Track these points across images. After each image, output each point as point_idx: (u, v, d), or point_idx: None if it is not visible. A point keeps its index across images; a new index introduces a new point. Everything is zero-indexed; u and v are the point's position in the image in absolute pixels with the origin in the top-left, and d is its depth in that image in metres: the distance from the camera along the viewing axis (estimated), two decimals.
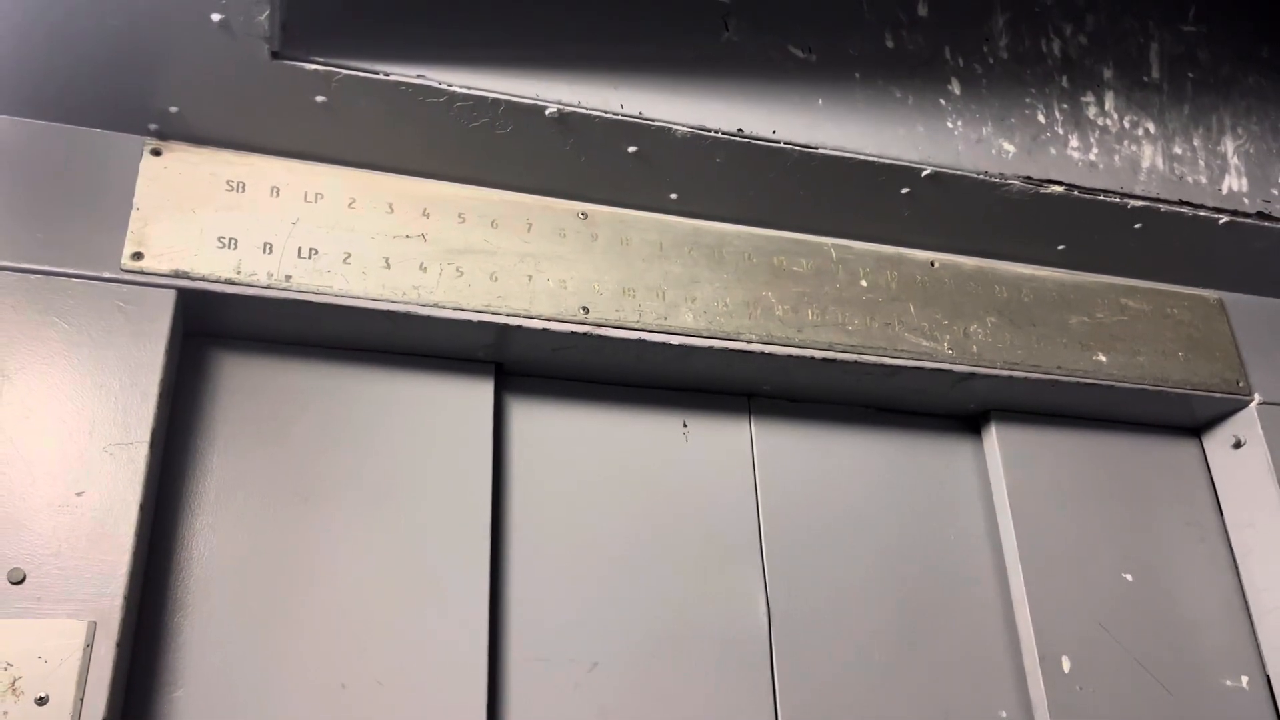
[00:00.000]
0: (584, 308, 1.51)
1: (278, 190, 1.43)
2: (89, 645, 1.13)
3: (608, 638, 1.49)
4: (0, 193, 1.31)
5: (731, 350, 1.57)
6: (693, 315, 1.56)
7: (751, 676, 1.53)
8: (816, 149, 1.55)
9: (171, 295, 1.32)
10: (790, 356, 1.60)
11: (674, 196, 1.61)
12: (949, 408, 1.82)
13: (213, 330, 1.43)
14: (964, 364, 1.69)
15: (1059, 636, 1.67)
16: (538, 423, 1.60)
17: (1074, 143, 1.74)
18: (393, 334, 1.47)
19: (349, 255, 1.42)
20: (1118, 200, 1.71)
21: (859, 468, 1.75)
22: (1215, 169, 1.83)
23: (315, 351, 1.49)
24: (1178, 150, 1.82)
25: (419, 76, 1.37)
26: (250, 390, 1.44)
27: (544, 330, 1.48)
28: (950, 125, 1.66)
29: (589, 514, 1.57)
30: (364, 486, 1.44)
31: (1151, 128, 1.82)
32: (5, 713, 1.08)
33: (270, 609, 1.33)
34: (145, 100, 1.35)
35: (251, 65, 1.30)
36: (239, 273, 1.36)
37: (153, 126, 1.39)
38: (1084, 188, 1.70)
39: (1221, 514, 1.90)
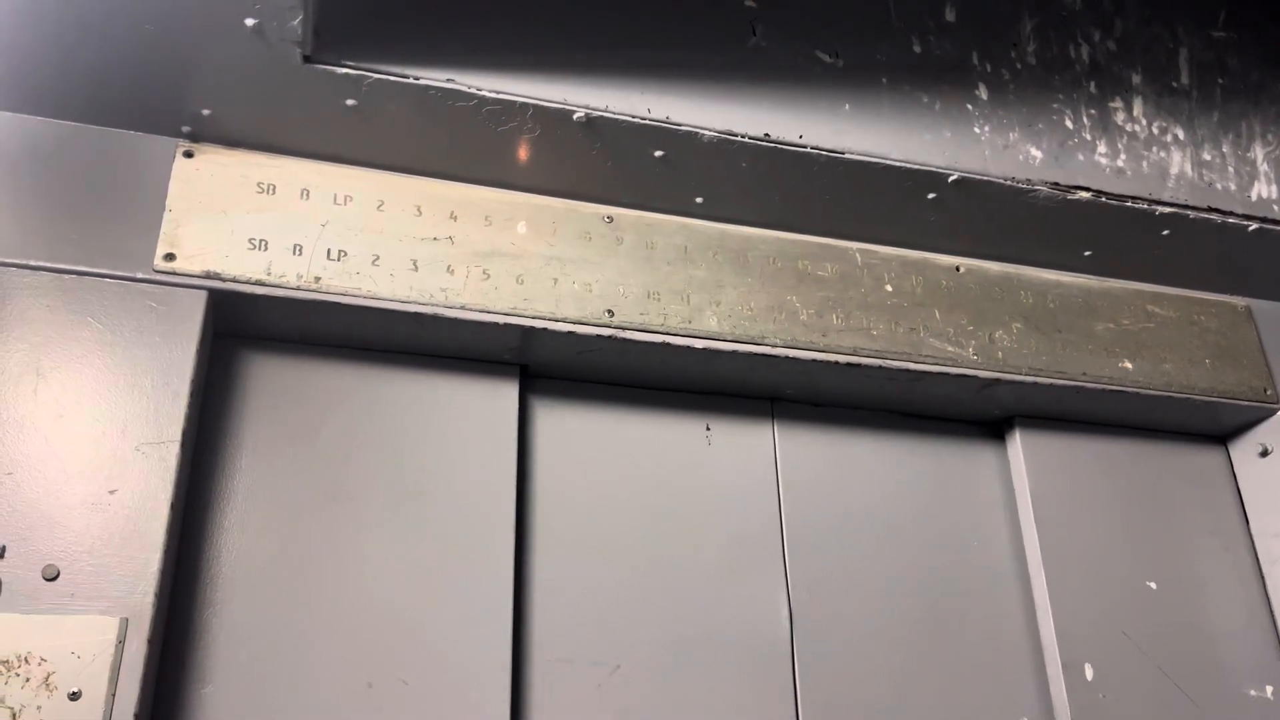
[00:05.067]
0: (609, 311, 1.51)
1: (308, 193, 1.44)
2: (121, 641, 1.14)
3: (630, 640, 1.50)
4: (36, 193, 1.33)
5: (755, 354, 1.57)
6: (717, 319, 1.56)
7: (773, 680, 1.53)
8: (843, 154, 1.55)
9: (203, 296, 1.34)
10: (814, 361, 1.60)
11: (699, 200, 1.61)
12: (973, 413, 1.82)
13: (243, 331, 1.44)
14: (989, 370, 1.68)
15: (1082, 643, 1.66)
16: (562, 424, 1.61)
17: (1102, 149, 1.73)
18: (420, 335, 1.48)
19: (377, 257, 1.43)
20: (1145, 206, 1.71)
21: (882, 472, 1.75)
22: (1244, 175, 1.82)
23: (343, 352, 1.50)
24: (1207, 157, 1.81)
25: (448, 80, 1.38)
26: (279, 390, 1.46)
27: (569, 333, 1.49)
28: (977, 131, 1.66)
29: (612, 515, 1.57)
30: (390, 486, 1.45)
31: (1180, 134, 1.81)
32: (39, 707, 1.10)
33: (298, 607, 1.35)
34: (179, 103, 1.36)
35: (284, 69, 1.31)
36: (269, 274, 1.37)
37: (186, 129, 1.41)
38: (1111, 194, 1.69)
39: (1247, 522, 1.88)
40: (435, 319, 1.44)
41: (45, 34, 1.25)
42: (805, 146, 1.53)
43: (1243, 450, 1.92)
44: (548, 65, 1.44)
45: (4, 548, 1.15)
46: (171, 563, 1.26)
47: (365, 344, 1.50)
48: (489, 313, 1.45)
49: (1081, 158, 1.71)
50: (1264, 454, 1.87)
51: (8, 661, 1.10)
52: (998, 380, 1.69)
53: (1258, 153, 1.86)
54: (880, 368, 1.63)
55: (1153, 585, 1.76)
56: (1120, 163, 1.73)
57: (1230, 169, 1.82)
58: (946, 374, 1.67)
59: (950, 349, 1.68)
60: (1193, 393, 1.80)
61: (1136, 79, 1.82)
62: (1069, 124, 1.73)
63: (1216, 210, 1.75)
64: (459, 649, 1.38)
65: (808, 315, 1.62)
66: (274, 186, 1.43)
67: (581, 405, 1.64)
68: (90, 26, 1.24)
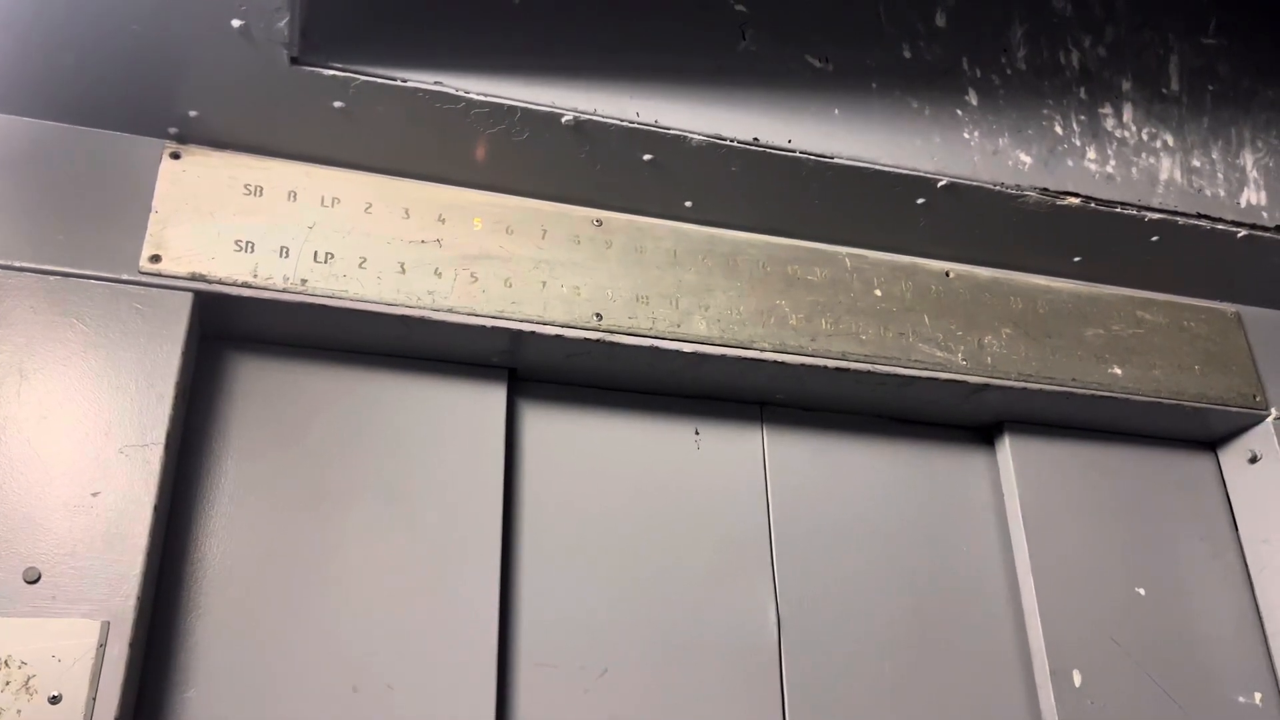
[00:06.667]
0: (597, 314, 1.51)
1: (295, 194, 1.44)
2: (102, 645, 1.14)
3: (618, 644, 1.49)
4: (21, 194, 1.33)
5: (744, 359, 1.57)
6: (706, 323, 1.56)
7: (761, 685, 1.53)
8: (832, 159, 1.55)
9: (188, 298, 1.33)
10: (803, 365, 1.60)
11: (689, 204, 1.61)
12: (962, 419, 1.82)
13: (229, 333, 1.44)
14: (978, 375, 1.68)
15: (1070, 650, 1.66)
16: (550, 428, 1.61)
17: (1091, 154, 1.73)
18: (407, 338, 1.48)
19: (365, 260, 1.42)
20: (1135, 213, 1.71)
21: (871, 478, 1.75)
22: (1234, 182, 1.82)
23: (330, 355, 1.50)
24: (1196, 163, 1.81)
25: (436, 83, 1.38)
26: (265, 393, 1.45)
27: (557, 336, 1.49)
28: (967, 136, 1.66)
29: (600, 519, 1.57)
30: (377, 490, 1.44)
31: (1170, 140, 1.81)
32: (19, 710, 1.09)
33: (282, 611, 1.34)
34: (165, 104, 1.36)
35: (271, 71, 1.31)
36: (255, 276, 1.37)
37: (172, 130, 1.40)
38: (1101, 200, 1.69)
39: (1236, 529, 1.88)
40: (423, 322, 1.43)
41: (30, 34, 1.24)
42: (795, 151, 1.53)
43: (1232, 456, 1.92)
44: (536, 68, 1.44)
45: None
46: (154, 566, 1.25)
47: (352, 347, 1.50)
48: (477, 316, 1.45)
49: (1071, 163, 1.71)
50: (1253, 460, 1.87)
51: None
52: (987, 385, 1.69)
53: (1247, 159, 1.86)
54: (869, 372, 1.63)
55: (1141, 591, 1.76)
56: (1110, 169, 1.73)
57: (1220, 175, 1.82)
58: (936, 379, 1.66)
59: (940, 354, 1.68)
60: (1182, 399, 1.80)
61: (1126, 85, 1.82)
62: (1059, 130, 1.73)
63: (1206, 216, 1.75)
64: (445, 653, 1.37)
65: (797, 320, 1.62)
66: (261, 188, 1.43)
67: (570, 409, 1.63)
68: (76, 27, 1.24)
